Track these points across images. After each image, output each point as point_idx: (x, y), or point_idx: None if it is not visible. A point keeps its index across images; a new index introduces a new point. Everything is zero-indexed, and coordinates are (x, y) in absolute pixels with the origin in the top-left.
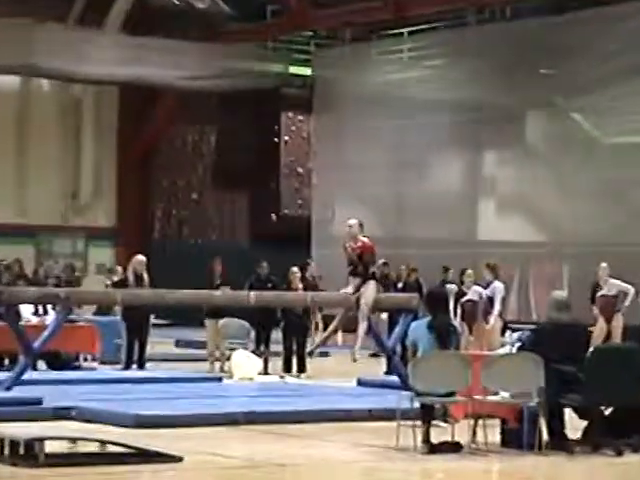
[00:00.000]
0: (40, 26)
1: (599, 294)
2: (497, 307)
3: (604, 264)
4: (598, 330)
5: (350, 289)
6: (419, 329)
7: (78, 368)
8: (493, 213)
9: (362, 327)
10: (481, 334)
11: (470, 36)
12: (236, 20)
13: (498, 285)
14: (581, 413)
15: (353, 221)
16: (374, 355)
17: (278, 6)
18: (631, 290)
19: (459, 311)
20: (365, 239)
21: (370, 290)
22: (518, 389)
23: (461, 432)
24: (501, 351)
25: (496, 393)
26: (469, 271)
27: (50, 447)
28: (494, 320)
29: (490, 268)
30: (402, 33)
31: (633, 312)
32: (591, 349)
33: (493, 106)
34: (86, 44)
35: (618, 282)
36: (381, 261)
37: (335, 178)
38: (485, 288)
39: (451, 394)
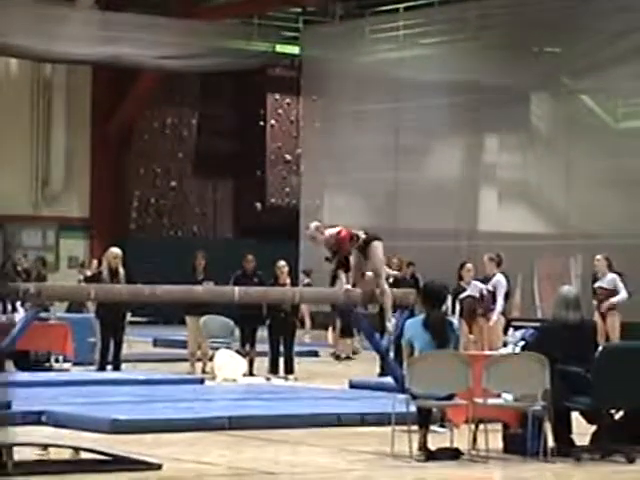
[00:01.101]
0: (7, 2)
1: (596, 286)
2: (500, 303)
3: (599, 256)
4: None
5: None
6: (415, 327)
7: (49, 369)
8: (495, 202)
9: (388, 301)
10: (481, 332)
11: (470, 12)
12: None
13: (500, 279)
14: (589, 417)
15: (310, 229)
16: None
17: None
18: (622, 291)
19: (457, 308)
20: (332, 231)
21: (377, 253)
22: (522, 391)
23: (460, 438)
24: (503, 351)
25: (498, 396)
26: (468, 265)
27: (19, 454)
28: (496, 317)
29: (493, 260)
30: (397, 9)
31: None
32: (600, 348)
33: (495, 87)
34: (57, 21)
35: (615, 276)
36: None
37: (325, 165)
38: (484, 282)
39: (450, 397)
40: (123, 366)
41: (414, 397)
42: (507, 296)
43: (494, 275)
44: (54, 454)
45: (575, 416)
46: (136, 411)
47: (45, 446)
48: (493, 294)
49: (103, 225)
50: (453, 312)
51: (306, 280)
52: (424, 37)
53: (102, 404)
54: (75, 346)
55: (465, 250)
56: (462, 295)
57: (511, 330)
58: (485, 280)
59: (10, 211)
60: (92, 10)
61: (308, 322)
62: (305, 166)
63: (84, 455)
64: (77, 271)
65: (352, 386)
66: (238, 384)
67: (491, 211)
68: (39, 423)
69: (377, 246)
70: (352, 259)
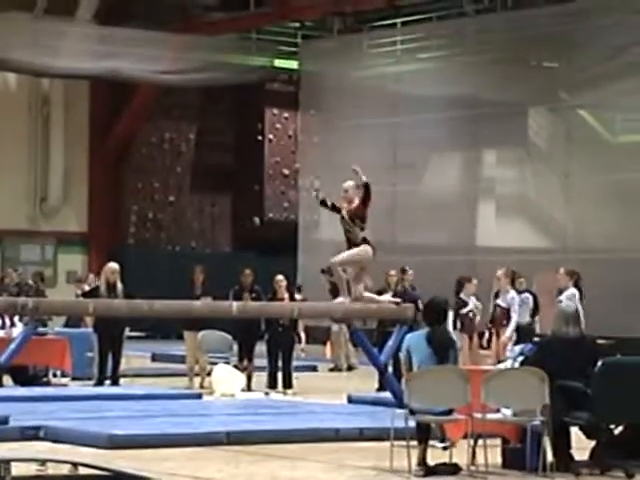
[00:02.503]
0: (4, 16)
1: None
2: (514, 318)
3: (562, 269)
4: None
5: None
6: (415, 342)
7: (47, 384)
8: (493, 217)
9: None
10: (475, 348)
11: (468, 27)
12: (217, 10)
13: (515, 295)
14: (588, 432)
15: (348, 183)
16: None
17: None
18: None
19: (458, 323)
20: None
21: (362, 250)
22: (521, 406)
23: (460, 453)
24: (502, 366)
25: (497, 411)
26: (474, 281)
27: (17, 470)
28: (510, 333)
29: (507, 276)
30: (395, 24)
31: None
32: (599, 363)
33: (493, 102)
34: (55, 36)
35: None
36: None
37: (323, 180)
38: (495, 298)
39: (449, 412)
40: (121, 381)
41: (413, 412)
42: (535, 312)
43: (507, 291)
44: (52, 469)
45: (574, 431)
46: (134, 426)
47: (43, 461)
48: (507, 310)
49: (101, 240)
50: (454, 327)
51: (298, 296)
52: (422, 52)
53: (100, 419)
54: (73, 361)
55: (463, 265)
56: (464, 310)
57: (510, 345)
58: (496, 295)
59: (8, 226)
60: (90, 25)
61: (303, 337)
62: (303, 181)
63: (82, 470)
64: (75, 286)
65: (351, 401)
66: (236, 399)
67: (489, 226)
68: (37, 438)
69: (364, 247)
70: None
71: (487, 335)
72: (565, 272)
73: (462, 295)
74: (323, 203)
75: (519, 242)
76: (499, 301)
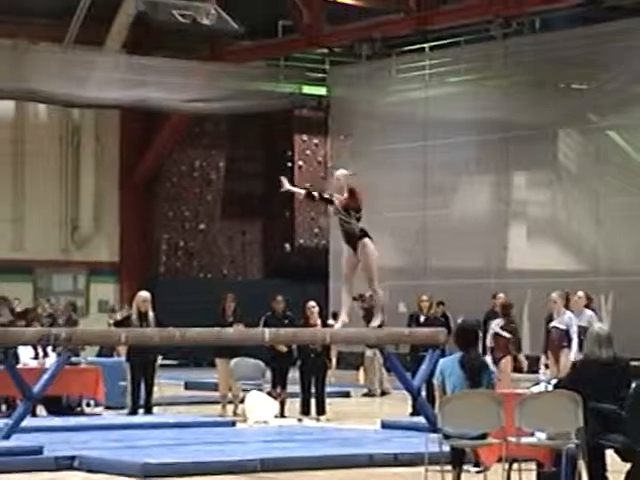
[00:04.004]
0: (34, 47)
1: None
2: (575, 339)
3: (580, 292)
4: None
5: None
6: (448, 366)
7: (81, 414)
8: (524, 240)
9: (379, 300)
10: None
11: (496, 50)
12: (245, 37)
13: (573, 316)
14: (624, 455)
15: (341, 172)
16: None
17: (290, 22)
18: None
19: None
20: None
21: (369, 252)
22: (555, 430)
23: (494, 477)
24: (536, 389)
25: (531, 434)
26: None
27: None
28: (574, 355)
29: (562, 298)
30: (423, 48)
31: None
32: (633, 385)
33: (522, 125)
34: (84, 66)
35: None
36: (369, 293)
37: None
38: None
39: (483, 436)
40: (154, 409)
41: (447, 437)
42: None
43: (564, 313)
44: None
45: (609, 454)
46: (168, 454)
47: None
48: (566, 332)
49: (133, 269)
50: (484, 350)
51: (331, 322)
52: (450, 76)
53: (134, 448)
54: (106, 390)
55: (494, 288)
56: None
57: (543, 368)
58: (550, 319)
59: (40, 256)
60: (119, 54)
61: (334, 362)
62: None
63: None
64: (107, 315)
65: (384, 426)
66: (270, 426)
67: (520, 248)
68: (71, 468)
69: (368, 244)
70: (344, 252)
71: (543, 358)
72: (585, 295)
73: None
74: (309, 196)
75: (550, 265)
76: (555, 323)
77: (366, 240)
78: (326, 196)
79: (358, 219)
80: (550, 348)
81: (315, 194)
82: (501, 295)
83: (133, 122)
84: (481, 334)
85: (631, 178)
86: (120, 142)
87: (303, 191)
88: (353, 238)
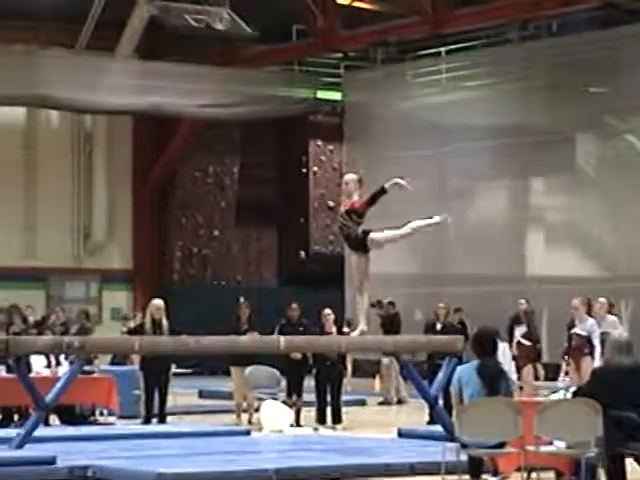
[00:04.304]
0: (46, 52)
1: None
2: (598, 347)
3: (602, 299)
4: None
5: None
6: (466, 374)
7: (94, 423)
8: (542, 246)
9: (365, 301)
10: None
11: (513, 54)
12: (259, 42)
13: (595, 323)
14: None
15: (350, 176)
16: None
17: (304, 26)
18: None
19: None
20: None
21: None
22: (574, 438)
23: None
24: (554, 396)
25: (550, 443)
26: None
27: None
28: (597, 362)
29: (584, 304)
30: (439, 52)
31: None
32: None
33: (540, 129)
34: (96, 71)
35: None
36: (386, 300)
37: (369, 211)
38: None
39: (501, 445)
40: (168, 418)
41: (464, 445)
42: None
43: (586, 319)
44: None
45: (629, 462)
46: (182, 464)
47: None
48: (587, 339)
49: (146, 276)
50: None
51: (346, 330)
52: (467, 80)
53: (148, 457)
54: (120, 399)
55: (512, 295)
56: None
57: (562, 375)
58: (571, 325)
59: (53, 264)
60: (131, 60)
61: (349, 370)
62: None
63: None
64: (120, 323)
65: (401, 435)
66: (285, 435)
67: (538, 255)
68: (85, 478)
69: (376, 235)
70: (352, 262)
71: (564, 366)
72: (607, 301)
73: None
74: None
75: (569, 271)
76: (577, 330)
77: (372, 234)
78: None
79: (358, 224)
80: (572, 355)
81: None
82: (522, 301)
83: (146, 128)
84: (507, 343)
85: None
86: (133, 148)
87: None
88: (354, 241)
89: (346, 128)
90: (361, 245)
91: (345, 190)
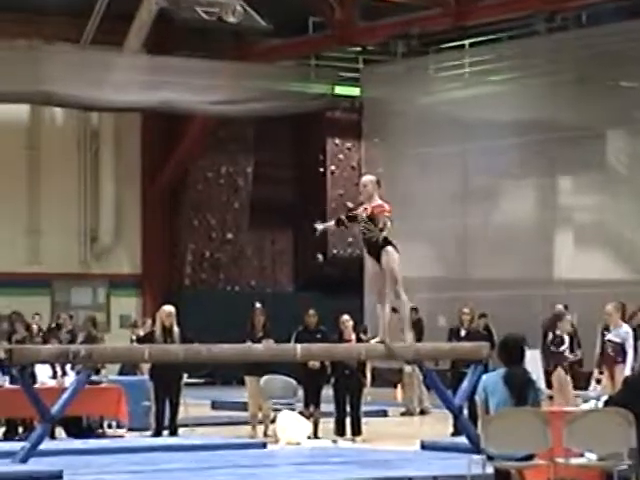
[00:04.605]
0: (50, 47)
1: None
2: (631, 353)
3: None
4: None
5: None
6: (492, 382)
7: (102, 436)
8: (571, 248)
9: (386, 310)
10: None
11: (540, 46)
12: (273, 35)
13: (629, 329)
14: None
15: (368, 178)
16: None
17: (321, 18)
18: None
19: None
20: (380, 201)
21: (391, 256)
22: (606, 450)
23: None
24: (585, 406)
25: (581, 455)
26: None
27: None
28: (629, 370)
29: (618, 310)
30: (463, 45)
31: None
32: None
33: (568, 125)
34: (103, 67)
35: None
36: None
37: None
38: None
39: (529, 457)
40: (180, 431)
41: (490, 458)
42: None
43: (620, 326)
44: None
45: None
46: (195, 479)
47: None
48: (621, 346)
49: (156, 281)
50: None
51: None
52: (492, 74)
53: (158, 472)
54: (129, 410)
55: (540, 299)
56: (561, 347)
57: (593, 384)
58: (605, 330)
59: (58, 269)
60: (139, 55)
61: (369, 380)
62: None
63: None
64: (129, 331)
65: (424, 447)
66: (303, 447)
67: (567, 257)
68: None
69: (391, 251)
70: (368, 268)
71: (595, 373)
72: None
73: (557, 332)
74: (339, 223)
75: (600, 274)
76: (611, 336)
77: (389, 248)
78: (351, 214)
79: (381, 229)
80: (606, 363)
81: (342, 218)
82: (559, 306)
83: (155, 126)
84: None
85: None
86: (141, 147)
87: (332, 222)
88: (375, 247)
89: (365, 125)
90: (377, 252)
91: (364, 193)
